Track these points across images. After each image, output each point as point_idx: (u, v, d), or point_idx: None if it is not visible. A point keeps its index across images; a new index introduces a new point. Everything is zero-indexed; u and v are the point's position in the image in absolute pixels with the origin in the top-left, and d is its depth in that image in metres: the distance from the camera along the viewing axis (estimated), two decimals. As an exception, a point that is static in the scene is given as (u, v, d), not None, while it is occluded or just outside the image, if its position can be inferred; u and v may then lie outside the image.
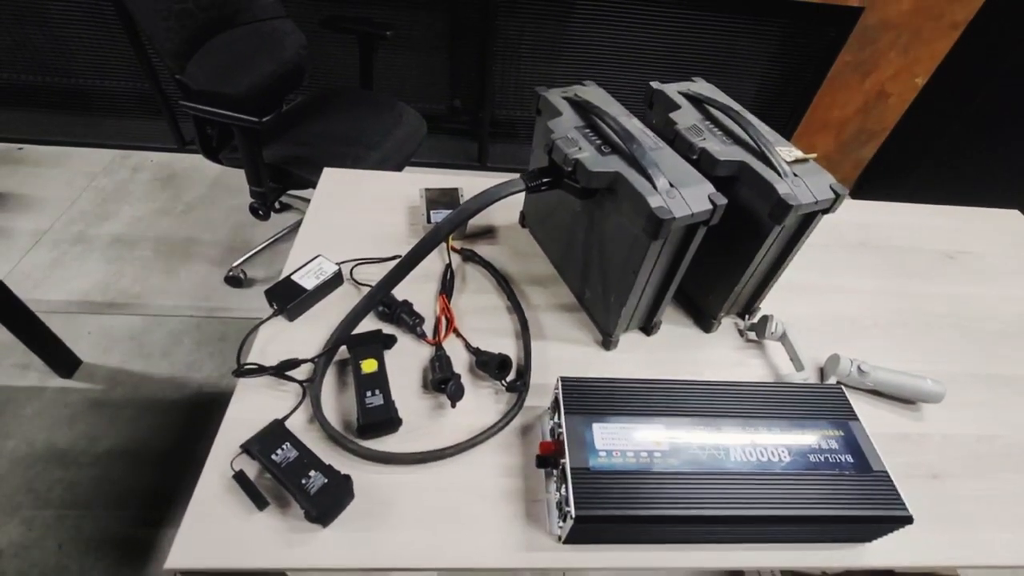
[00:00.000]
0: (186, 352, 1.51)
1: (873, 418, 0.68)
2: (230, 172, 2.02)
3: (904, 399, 0.69)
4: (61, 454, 1.28)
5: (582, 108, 0.66)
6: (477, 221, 0.87)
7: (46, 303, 1.58)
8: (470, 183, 0.89)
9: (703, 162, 0.62)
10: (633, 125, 0.63)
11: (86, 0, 1.83)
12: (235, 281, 1.68)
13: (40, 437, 1.30)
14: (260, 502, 0.51)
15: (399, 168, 1.48)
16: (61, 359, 1.40)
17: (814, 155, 0.62)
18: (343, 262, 0.75)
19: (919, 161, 2.09)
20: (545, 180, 0.63)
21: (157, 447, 1.30)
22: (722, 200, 0.55)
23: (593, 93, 0.70)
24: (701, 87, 0.73)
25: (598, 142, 0.61)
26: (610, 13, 1.88)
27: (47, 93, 2.08)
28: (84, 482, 1.24)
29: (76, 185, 1.97)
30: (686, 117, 0.67)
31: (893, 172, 2.21)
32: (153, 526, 1.19)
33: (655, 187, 0.55)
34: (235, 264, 1.68)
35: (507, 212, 0.89)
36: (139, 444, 1.31)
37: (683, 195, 0.55)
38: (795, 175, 0.59)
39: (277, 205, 1.97)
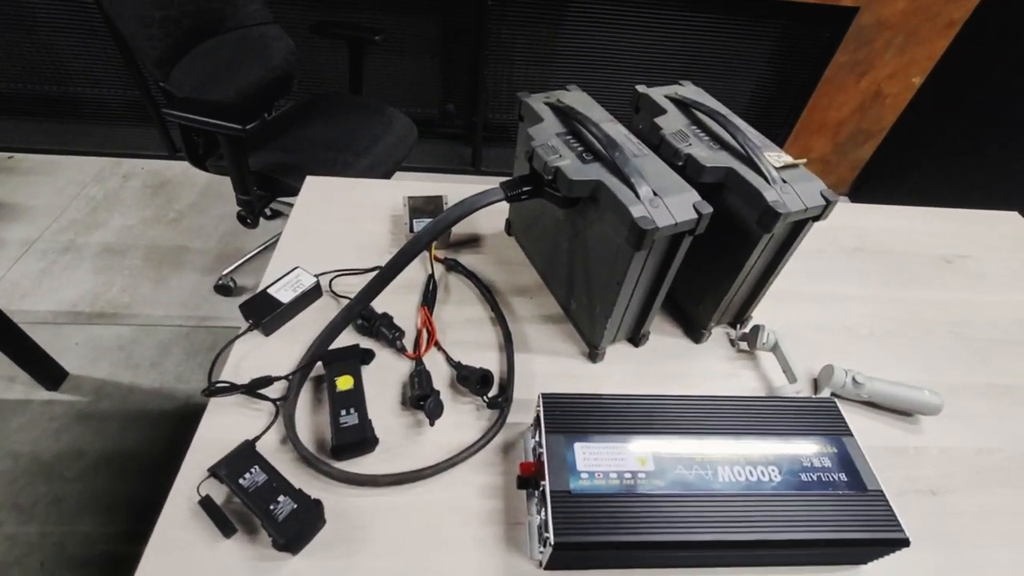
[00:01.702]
0: (175, 362, 1.49)
1: (869, 431, 0.65)
2: (221, 179, 2.00)
3: (901, 411, 0.67)
4: (46, 468, 1.25)
5: (564, 114, 0.64)
6: (462, 229, 0.85)
7: (34, 314, 1.56)
8: (455, 190, 0.87)
9: (689, 169, 0.60)
10: (616, 131, 0.61)
11: (75, 8, 1.81)
12: (225, 290, 1.66)
13: (25, 451, 1.28)
14: (227, 529, 0.49)
15: (389, 174, 1.46)
16: (47, 371, 1.38)
17: (804, 160, 0.59)
18: (322, 274, 0.73)
19: (917, 161, 2.07)
20: (525, 189, 0.60)
21: (144, 460, 1.28)
22: (707, 209, 0.53)
23: (576, 98, 0.68)
24: (688, 91, 0.71)
25: (580, 149, 0.59)
26: (603, 16, 1.87)
27: (37, 101, 2.06)
28: (69, 497, 1.21)
29: (66, 193, 1.95)
30: (672, 122, 0.65)
31: (891, 172, 2.19)
32: (139, 542, 1.15)
33: (638, 196, 0.53)
34: (225, 272, 1.66)
35: (493, 220, 0.87)
36: (126, 457, 1.29)
37: (667, 204, 0.53)
38: (784, 181, 0.57)
39: (268, 212, 1.95)
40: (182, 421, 1.36)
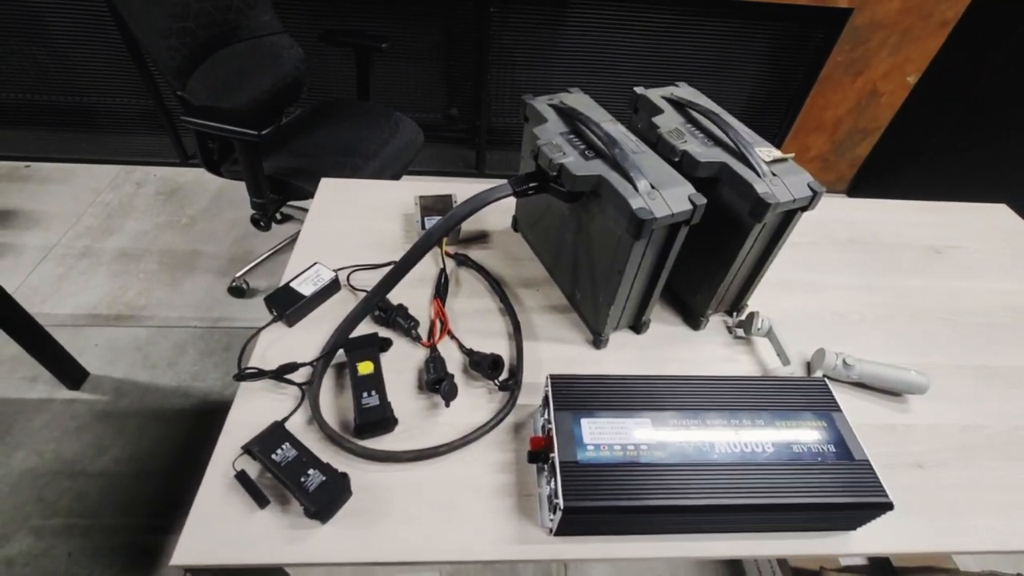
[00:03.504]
0: (191, 362, 1.54)
1: (859, 410, 0.69)
2: (232, 185, 2.05)
3: (890, 391, 0.71)
4: (69, 464, 1.30)
5: (567, 115, 0.68)
6: (471, 226, 0.89)
7: (54, 316, 1.61)
8: (463, 190, 0.91)
9: (685, 164, 0.64)
10: (616, 130, 0.65)
11: (90, 19, 1.87)
12: (238, 291, 1.71)
13: (48, 448, 1.32)
14: (261, 500, 0.53)
15: (397, 177, 1.50)
16: (69, 371, 1.43)
17: (792, 155, 0.63)
18: (340, 269, 0.78)
19: (915, 157, 2.11)
20: (532, 184, 0.65)
21: (163, 456, 1.32)
22: (701, 200, 0.57)
23: (578, 100, 0.72)
24: (684, 92, 0.75)
25: (582, 147, 0.63)
26: (601, 20, 1.91)
27: (52, 111, 2.12)
28: (92, 491, 1.26)
29: (82, 200, 2.01)
30: (668, 121, 0.69)
31: (889, 169, 2.22)
32: (160, 533, 1.21)
33: (636, 189, 0.57)
34: (238, 275, 1.71)
35: (500, 217, 0.91)
36: (146, 453, 1.33)
37: (664, 196, 0.57)
38: (773, 174, 0.61)
39: (278, 216, 2.00)
40: (199, 418, 1.40)
